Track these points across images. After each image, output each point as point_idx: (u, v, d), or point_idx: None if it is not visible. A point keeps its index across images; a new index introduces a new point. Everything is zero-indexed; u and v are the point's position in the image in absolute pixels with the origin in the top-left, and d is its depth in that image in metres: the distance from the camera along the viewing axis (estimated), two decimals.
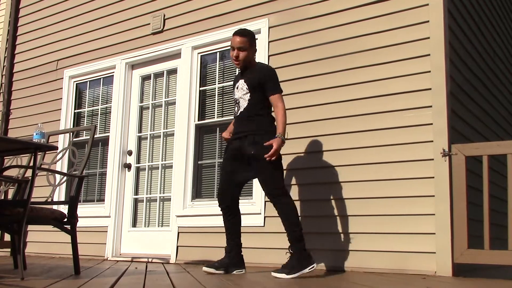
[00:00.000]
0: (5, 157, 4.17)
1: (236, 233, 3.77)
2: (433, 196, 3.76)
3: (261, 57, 4.63)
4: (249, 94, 3.74)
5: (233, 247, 3.73)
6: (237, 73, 4.06)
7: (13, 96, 6.92)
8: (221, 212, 3.83)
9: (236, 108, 3.86)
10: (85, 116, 6.26)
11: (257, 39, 4.87)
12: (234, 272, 3.68)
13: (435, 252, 3.69)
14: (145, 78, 5.84)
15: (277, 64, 4.39)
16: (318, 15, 4.55)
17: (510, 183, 3.54)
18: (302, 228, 3.57)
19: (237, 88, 3.85)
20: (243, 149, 3.68)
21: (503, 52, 5.93)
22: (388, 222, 3.92)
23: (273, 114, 3.76)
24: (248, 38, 3.80)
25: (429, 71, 3.92)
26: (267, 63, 4.49)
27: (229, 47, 5.10)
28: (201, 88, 5.27)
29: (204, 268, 3.66)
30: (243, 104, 3.76)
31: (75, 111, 6.31)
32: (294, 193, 4.33)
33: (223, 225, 3.84)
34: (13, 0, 7.16)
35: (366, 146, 4.11)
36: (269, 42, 4.75)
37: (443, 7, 3.95)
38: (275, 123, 3.67)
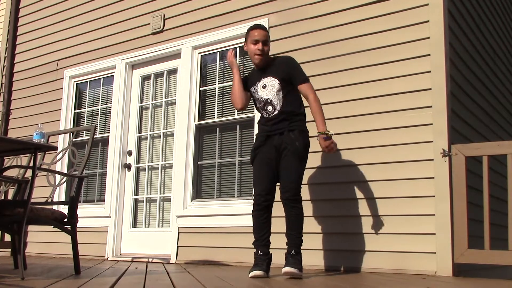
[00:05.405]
0: (5, 157, 4.17)
1: (269, 232, 3.50)
2: (433, 196, 3.76)
3: None
4: (282, 90, 3.49)
5: (267, 249, 3.47)
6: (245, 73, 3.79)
7: (13, 96, 6.91)
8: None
9: (267, 109, 3.52)
10: (85, 116, 6.26)
11: None
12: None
13: (435, 252, 3.69)
14: (145, 78, 5.84)
15: None
16: (318, 15, 4.55)
17: (510, 183, 3.54)
18: None
19: (262, 87, 3.55)
20: (285, 141, 3.43)
21: (503, 52, 5.93)
22: (388, 222, 3.92)
23: None
24: (267, 32, 3.66)
25: (429, 71, 3.92)
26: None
27: (229, 47, 5.17)
28: (201, 88, 5.27)
29: (254, 273, 3.33)
30: (277, 102, 3.48)
31: (75, 111, 6.30)
32: None
33: (252, 224, 3.49)
34: (13, 0, 7.16)
35: (366, 146, 4.11)
36: None
37: (443, 7, 3.95)
38: (314, 116, 3.43)
